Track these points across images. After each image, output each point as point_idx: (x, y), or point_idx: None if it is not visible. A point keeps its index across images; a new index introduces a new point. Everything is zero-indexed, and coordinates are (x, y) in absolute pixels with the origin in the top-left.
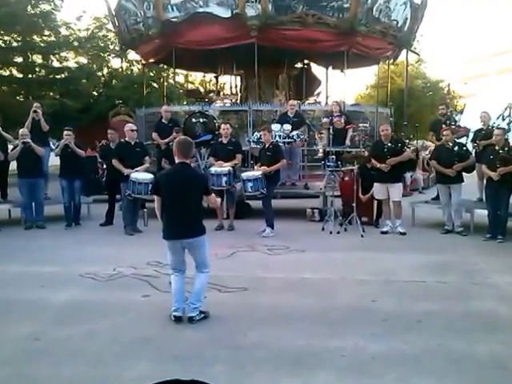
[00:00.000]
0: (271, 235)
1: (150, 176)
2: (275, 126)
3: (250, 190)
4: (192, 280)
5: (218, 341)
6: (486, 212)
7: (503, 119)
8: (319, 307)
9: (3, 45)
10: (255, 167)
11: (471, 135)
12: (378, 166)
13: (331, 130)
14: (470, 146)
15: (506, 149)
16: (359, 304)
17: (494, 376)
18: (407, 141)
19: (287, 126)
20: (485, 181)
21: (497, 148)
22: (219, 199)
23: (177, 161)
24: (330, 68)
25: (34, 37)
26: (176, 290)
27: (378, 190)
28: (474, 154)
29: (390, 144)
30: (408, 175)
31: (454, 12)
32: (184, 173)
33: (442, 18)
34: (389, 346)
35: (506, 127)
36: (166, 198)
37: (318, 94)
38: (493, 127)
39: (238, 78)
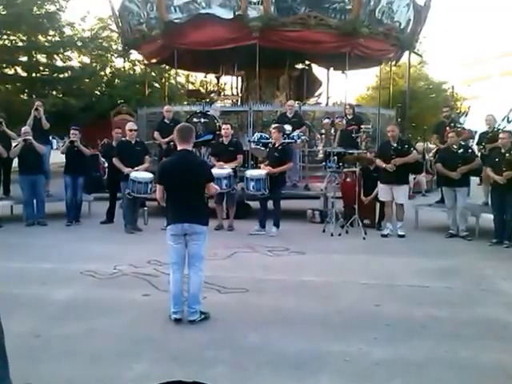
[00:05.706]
0: (275, 235)
1: (149, 175)
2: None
3: (251, 188)
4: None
5: (218, 342)
6: (491, 216)
7: (508, 121)
8: (320, 310)
9: (9, 44)
10: (262, 166)
11: (477, 138)
12: (384, 166)
13: (332, 131)
14: (475, 149)
15: None
16: (362, 308)
17: None
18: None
19: (288, 127)
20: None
21: (503, 151)
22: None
23: (179, 148)
24: (331, 69)
25: (39, 37)
26: (174, 293)
27: (383, 191)
28: (479, 157)
29: (396, 145)
30: (411, 177)
31: (457, 14)
32: (187, 160)
33: (445, 20)
34: (393, 351)
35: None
36: (170, 185)
37: (319, 95)
38: (498, 129)
39: (239, 78)
